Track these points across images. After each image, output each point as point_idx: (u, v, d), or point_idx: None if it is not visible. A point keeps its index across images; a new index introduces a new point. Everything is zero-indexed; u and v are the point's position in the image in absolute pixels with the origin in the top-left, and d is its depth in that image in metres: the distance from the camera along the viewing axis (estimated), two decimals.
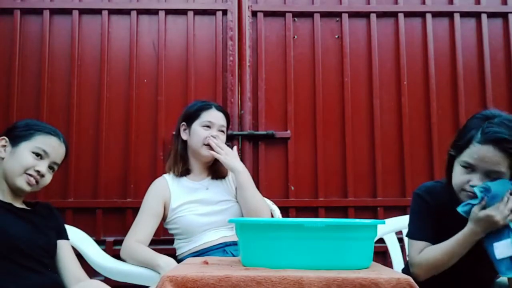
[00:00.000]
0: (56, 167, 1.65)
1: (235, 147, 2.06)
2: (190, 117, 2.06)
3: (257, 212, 1.95)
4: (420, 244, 1.53)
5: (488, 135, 1.40)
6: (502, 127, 1.40)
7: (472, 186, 1.42)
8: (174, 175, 2.04)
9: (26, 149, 1.57)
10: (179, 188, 2.02)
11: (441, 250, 1.47)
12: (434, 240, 1.52)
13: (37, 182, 1.58)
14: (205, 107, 2.06)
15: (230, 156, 1.98)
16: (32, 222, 1.57)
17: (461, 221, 1.47)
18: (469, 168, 1.44)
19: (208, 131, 2.01)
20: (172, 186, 2.02)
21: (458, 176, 1.47)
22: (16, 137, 1.60)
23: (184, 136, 2.06)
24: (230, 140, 2.64)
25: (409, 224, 1.61)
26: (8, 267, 1.45)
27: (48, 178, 1.62)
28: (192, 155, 2.07)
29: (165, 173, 2.12)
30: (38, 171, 1.57)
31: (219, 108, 2.09)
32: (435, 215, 1.54)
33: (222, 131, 2.06)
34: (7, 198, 1.58)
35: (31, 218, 1.58)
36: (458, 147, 1.49)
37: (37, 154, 1.58)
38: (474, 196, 1.42)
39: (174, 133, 2.18)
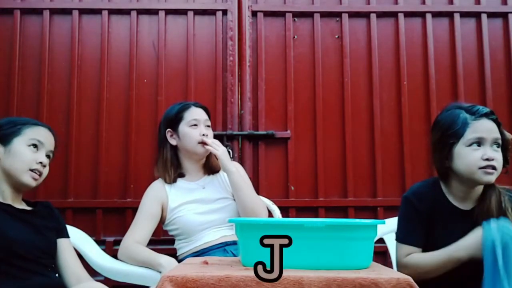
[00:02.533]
0: (51, 156, 1.64)
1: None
2: (173, 122, 2.04)
3: (254, 211, 1.95)
4: (407, 248, 1.57)
5: (478, 111, 1.54)
6: (480, 106, 1.57)
7: (489, 159, 1.48)
8: (166, 182, 2.03)
9: (21, 144, 1.55)
10: (176, 190, 2.02)
11: (432, 261, 1.50)
12: (422, 244, 1.56)
13: (40, 174, 1.57)
14: (185, 107, 2.05)
15: (226, 154, 1.99)
16: (32, 223, 1.56)
17: (450, 219, 1.54)
18: (478, 143, 1.51)
19: (197, 129, 2.01)
20: (169, 188, 2.02)
21: (470, 155, 1.51)
22: (4, 136, 1.56)
23: (173, 141, 2.04)
24: (230, 140, 2.64)
25: (398, 228, 1.64)
26: (8, 270, 1.44)
27: (47, 167, 1.62)
28: (186, 157, 2.06)
29: None
30: (40, 163, 1.57)
31: (198, 105, 2.08)
32: (424, 217, 1.57)
33: (208, 126, 2.07)
34: (6, 199, 1.56)
35: (31, 219, 1.57)
36: (454, 134, 1.55)
37: (34, 146, 1.57)
38: (493, 169, 1.49)
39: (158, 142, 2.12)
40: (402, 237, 1.60)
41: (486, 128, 1.52)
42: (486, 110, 1.55)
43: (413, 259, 1.54)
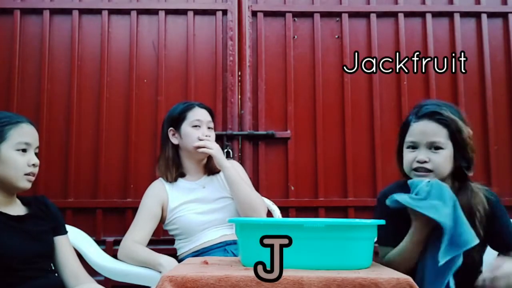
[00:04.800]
0: (37, 150, 1.59)
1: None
2: (176, 121, 2.04)
3: (251, 206, 1.94)
4: (384, 250, 1.57)
5: (421, 111, 1.53)
6: (431, 104, 1.55)
7: (420, 162, 1.50)
8: (168, 181, 2.03)
9: (9, 150, 1.50)
10: (176, 190, 2.02)
11: (398, 252, 1.50)
12: (396, 242, 1.54)
13: (34, 174, 1.54)
14: (189, 107, 2.05)
15: (219, 152, 2.00)
16: (27, 230, 1.53)
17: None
18: (413, 147, 1.54)
19: (199, 130, 2.01)
20: (169, 188, 2.02)
21: (406, 158, 1.56)
22: None
23: (174, 140, 2.04)
24: (230, 140, 2.64)
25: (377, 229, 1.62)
26: (4, 280, 1.42)
27: (38, 162, 1.57)
28: (186, 157, 2.06)
29: None
30: (33, 164, 1.53)
31: (202, 106, 2.08)
32: (394, 217, 1.53)
33: (211, 128, 2.07)
34: (1, 207, 1.52)
35: (26, 226, 1.53)
36: (400, 136, 1.60)
37: (23, 150, 1.52)
38: (425, 172, 1.49)
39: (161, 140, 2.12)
40: (378, 239, 1.56)
41: (420, 131, 1.52)
42: (429, 110, 1.52)
43: (387, 258, 1.53)
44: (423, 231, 1.44)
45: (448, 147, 1.50)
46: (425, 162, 1.50)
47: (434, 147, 1.50)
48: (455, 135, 1.49)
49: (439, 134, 1.50)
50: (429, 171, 1.50)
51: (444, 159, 1.50)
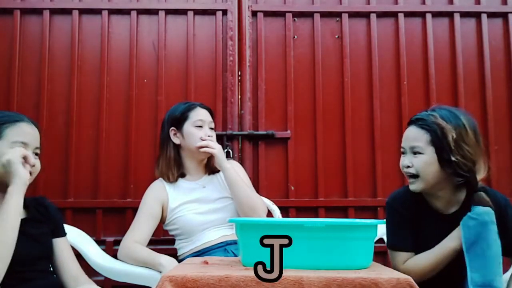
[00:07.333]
0: (39, 151, 1.56)
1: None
2: (178, 121, 2.04)
3: (251, 208, 1.95)
4: (402, 255, 1.55)
5: (412, 118, 1.57)
6: (425, 111, 1.56)
7: (408, 167, 1.53)
8: (169, 181, 2.03)
9: (4, 149, 1.46)
10: (176, 190, 2.02)
11: (430, 258, 1.49)
12: (414, 247, 1.55)
13: (30, 173, 1.49)
14: (191, 107, 2.06)
15: (221, 152, 2.00)
16: (26, 233, 1.50)
17: (433, 222, 1.54)
18: (403, 152, 1.57)
19: (201, 130, 2.01)
20: (170, 188, 2.02)
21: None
22: None
23: (176, 140, 2.05)
24: (230, 140, 2.64)
25: (387, 235, 1.62)
26: (6, 282, 1.41)
27: (38, 164, 1.54)
28: (188, 157, 2.06)
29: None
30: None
31: (203, 106, 2.09)
32: (409, 220, 1.57)
33: (212, 128, 2.07)
34: None
35: (25, 229, 1.50)
36: None
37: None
38: (412, 177, 1.54)
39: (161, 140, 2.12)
40: (393, 244, 1.59)
41: (405, 137, 1.57)
42: (416, 116, 1.55)
43: (412, 263, 1.52)
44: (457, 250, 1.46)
45: (428, 152, 1.50)
46: (408, 167, 1.54)
47: (414, 152, 1.52)
48: (438, 141, 1.47)
49: (419, 139, 1.51)
50: (416, 176, 1.53)
51: (424, 164, 1.50)
